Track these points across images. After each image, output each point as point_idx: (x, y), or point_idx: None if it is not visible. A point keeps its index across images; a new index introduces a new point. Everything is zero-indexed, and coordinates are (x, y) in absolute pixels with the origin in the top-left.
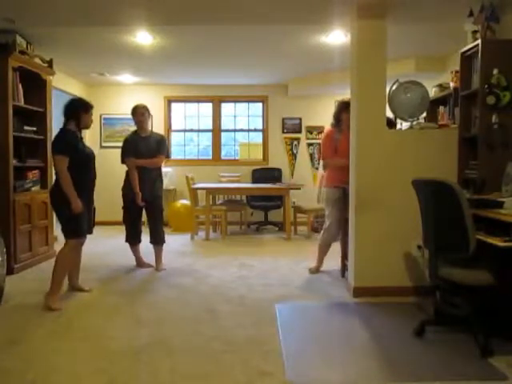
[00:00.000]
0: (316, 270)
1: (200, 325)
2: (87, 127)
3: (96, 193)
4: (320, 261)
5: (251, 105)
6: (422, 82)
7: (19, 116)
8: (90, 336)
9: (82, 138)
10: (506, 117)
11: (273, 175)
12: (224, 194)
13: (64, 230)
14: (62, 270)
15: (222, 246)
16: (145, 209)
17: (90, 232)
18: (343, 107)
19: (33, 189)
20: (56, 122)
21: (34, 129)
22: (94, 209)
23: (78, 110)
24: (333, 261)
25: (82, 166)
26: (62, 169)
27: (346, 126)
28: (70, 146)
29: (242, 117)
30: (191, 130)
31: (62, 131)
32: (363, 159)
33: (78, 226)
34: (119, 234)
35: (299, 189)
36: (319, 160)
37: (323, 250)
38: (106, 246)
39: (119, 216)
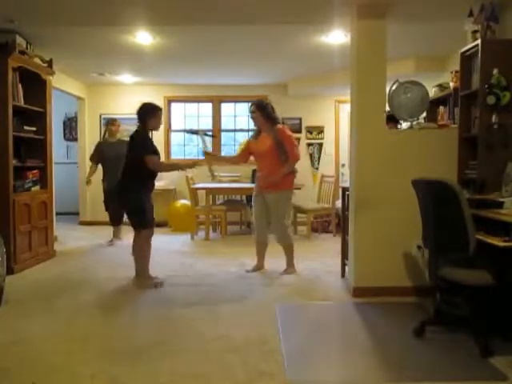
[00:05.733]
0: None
1: (200, 325)
2: (155, 129)
3: (98, 192)
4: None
5: None
6: (422, 82)
7: (19, 116)
8: (89, 336)
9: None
10: (506, 117)
11: None
12: (224, 194)
13: (137, 222)
14: (142, 259)
15: (222, 245)
16: None
17: None
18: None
19: (33, 189)
20: (56, 122)
21: (34, 129)
22: (152, 206)
23: (145, 115)
24: (333, 261)
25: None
26: (157, 163)
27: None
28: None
29: (242, 117)
30: (191, 130)
31: (142, 134)
32: (363, 159)
33: (148, 217)
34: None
35: (299, 189)
36: (319, 160)
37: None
38: (104, 245)
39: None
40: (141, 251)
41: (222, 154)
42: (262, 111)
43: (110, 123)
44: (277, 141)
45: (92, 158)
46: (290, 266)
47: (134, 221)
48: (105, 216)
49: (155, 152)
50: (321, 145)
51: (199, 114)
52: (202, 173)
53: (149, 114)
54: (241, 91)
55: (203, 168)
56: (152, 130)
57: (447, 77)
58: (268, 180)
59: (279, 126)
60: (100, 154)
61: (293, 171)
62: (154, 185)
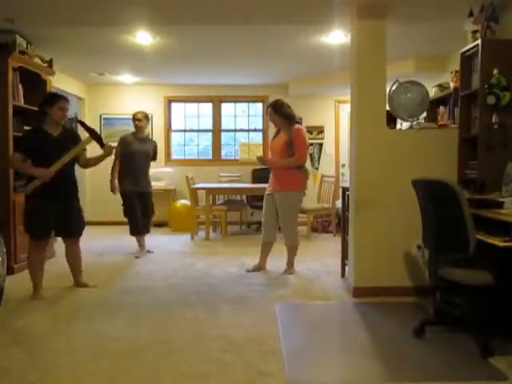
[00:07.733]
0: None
1: (200, 324)
2: (57, 121)
3: (97, 192)
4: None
5: (251, 105)
6: (422, 82)
7: (19, 116)
8: (90, 336)
9: (49, 134)
10: (506, 117)
11: None
12: (224, 194)
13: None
14: (28, 267)
15: (221, 245)
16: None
17: (63, 235)
18: None
19: None
20: None
21: None
22: (78, 211)
23: (42, 107)
24: (333, 261)
25: (40, 163)
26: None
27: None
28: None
29: (242, 117)
30: (191, 130)
31: (30, 128)
32: (363, 159)
33: (30, 225)
34: (113, 234)
35: None
36: (319, 160)
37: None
38: (104, 245)
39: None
40: (28, 261)
41: (223, 153)
42: (279, 112)
43: (137, 119)
44: (290, 141)
45: (117, 154)
46: (291, 267)
47: None
48: (105, 216)
49: (29, 150)
50: (321, 145)
51: (199, 114)
52: (203, 172)
53: (47, 103)
54: (241, 91)
55: (205, 168)
56: (56, 122)
57: (447, 77)
58: (276, 163)
59: (297, 125)
60: (123, 150)
61: (304, 172)
62: (47, 189)
